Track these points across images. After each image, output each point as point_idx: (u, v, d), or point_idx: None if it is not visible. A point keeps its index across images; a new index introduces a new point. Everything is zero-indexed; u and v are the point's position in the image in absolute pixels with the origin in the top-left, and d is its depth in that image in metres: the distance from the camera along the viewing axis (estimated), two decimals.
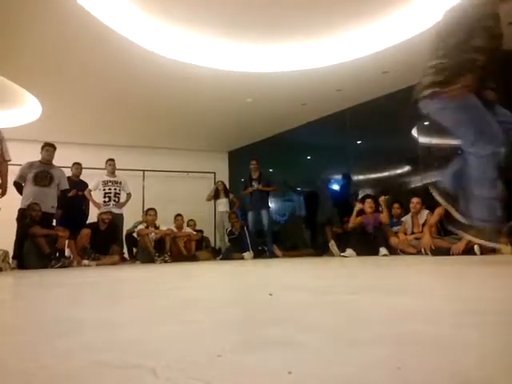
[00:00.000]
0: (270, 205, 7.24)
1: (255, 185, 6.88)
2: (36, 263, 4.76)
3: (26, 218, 5.04)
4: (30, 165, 5.25)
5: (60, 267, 4.74)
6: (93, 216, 6.26)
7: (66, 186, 5.60)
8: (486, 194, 2.34)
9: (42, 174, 5.27)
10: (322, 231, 6.77)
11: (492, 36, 2.33)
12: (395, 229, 5.43)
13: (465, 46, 2.36)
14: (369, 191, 7.00)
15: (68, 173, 6.66)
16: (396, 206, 5.72)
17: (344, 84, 6.24)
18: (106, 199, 6.26)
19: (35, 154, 5.52)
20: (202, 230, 7.74)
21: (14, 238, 5.08)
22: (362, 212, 5.62)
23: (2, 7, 4.11)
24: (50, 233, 5.16)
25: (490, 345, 0.63)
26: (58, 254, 5.22)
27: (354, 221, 5.57)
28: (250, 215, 6.97)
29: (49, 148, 5.40)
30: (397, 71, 5.79)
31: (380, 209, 5.65)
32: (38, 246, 4.92)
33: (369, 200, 5.57)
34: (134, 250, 6.57)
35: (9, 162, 4.54)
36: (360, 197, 6.91)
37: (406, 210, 5.56)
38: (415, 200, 5.14)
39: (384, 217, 5.38)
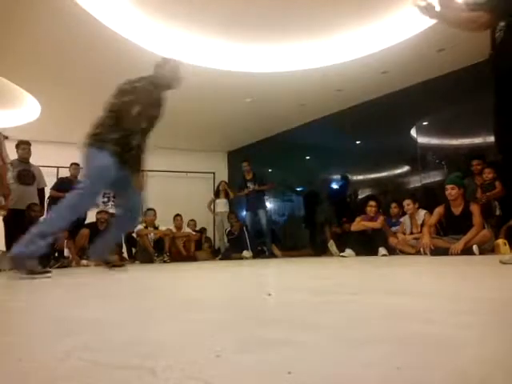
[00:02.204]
0: (267, 204, 7.24)
1: (250, 186, 6.87)
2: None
3: (23, 217, 5.02)
4: (10, 164, 5.20)
5: (59, 267, 4.74)
6: (91, 216, 6.25)
7: (44, 184, 5.57)
8: None
9: (25, 172, 5.22)
10: (321, 231, 6.78)
11: None
12: (394, 229, 5.43)
13: None
14: (367, 191, 7.01)
15: (66, 173, 6.66)
16: (394, 205, 5.72)
17: (343, 84, 6.24)
18: (105, 199, 6.26)
19: (34, 154, 5.50)
20: (205, 229, 7.79)
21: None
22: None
23: (3, 8, 4.10)
24: None
25: (490, 345, 0.63)
26: (56, 254, 5.22)
27: (355, 226, 5.52)
28: (248, 216, 6.97)
29: (25, 146, 5.32)
30: (396, 71, 5.80)
31: (381, 210, 5.65)
32: None
33: (372, 203, 5.50)
34: (133, 250, 6.57)
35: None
36: (361, 197, 6.92)
37: (402, 211, 5.57)
38: (406, 202, 5.17)
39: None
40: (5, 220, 5.07)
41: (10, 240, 4.99)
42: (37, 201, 5.30)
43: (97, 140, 2.98)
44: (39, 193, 5.47)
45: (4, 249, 4.94)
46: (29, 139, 5.50)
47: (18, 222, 4.99)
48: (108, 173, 2.89)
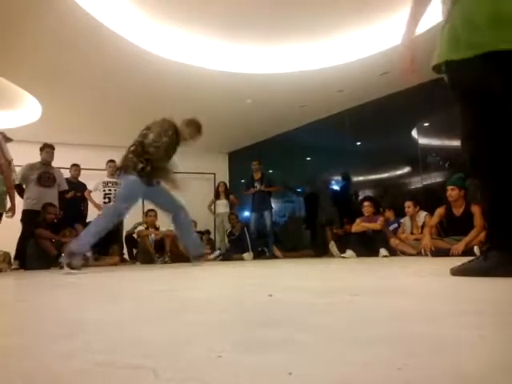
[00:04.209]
0: (272, 205, 7.25)
1: (258, 186, 6.86)
2: (38, 264, 4.78)
3: (39, 217, 5.06)
4: (32, 166, 5.27)
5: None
6: (92, 217, 6.26)
7: (65, 186, 5.63)
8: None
9: (45, 174, 5.30)
10: (321, 232, 6.77)
11: None
12: (391, 227, 5.43)
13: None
14: (369, 192, 7.01)
15: (67, 174, 6.67)
16: (387, 212, 5.74)
17: (343, 85, 6.25)
18: (106, 200, 6.27)
19: (35, 155, 5.52)
20: (209, 231, 7.78)
21: (16, 239, 5.08)
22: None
23: (2, 8, 4.11)
24: (54, 237, 5.18)
25: (490, 345, 0.63)
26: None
27: (355, 227, 5.50)
28: (253, 216, 6.96)
29: (49, 149, 5.41)
30: (396, 72, 5.79)
31: (380, 210, 5.64)
32: (42, 248, 4.95)
33: (367, 203, 5.52)
34: (134, 250, 6.57)
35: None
36: (361, 198, 6.91)
37: (398, 214, 5.58)
38: (407, 204, 5.17)
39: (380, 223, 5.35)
40: (22, 220, 5.09)
41: (24, 240, 5.01)
42: (56, 203, 5.34)
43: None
44: (60, 195, 5.51)
45: (10, 249, 4.95)
46: (29, 140, 5.54)
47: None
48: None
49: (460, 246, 4.00)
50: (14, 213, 4.45)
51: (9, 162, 4.36)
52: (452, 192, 4.34)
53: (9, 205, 4.54)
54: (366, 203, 5.51)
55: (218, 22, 4.72)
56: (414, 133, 6.52)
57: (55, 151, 5.59)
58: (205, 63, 5.50)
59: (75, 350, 0.67)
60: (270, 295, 1.31)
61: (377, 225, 5.29)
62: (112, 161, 6.48)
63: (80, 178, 6.52)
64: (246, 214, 7.83)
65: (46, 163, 5.37)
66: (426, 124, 6.50)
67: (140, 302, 1.43)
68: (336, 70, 5.68)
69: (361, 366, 0.53)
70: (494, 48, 1.58)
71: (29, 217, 5.06)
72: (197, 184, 9.10)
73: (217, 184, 8.27)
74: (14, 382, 0.53)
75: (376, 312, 0.97)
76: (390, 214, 5.73)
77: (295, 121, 7.79)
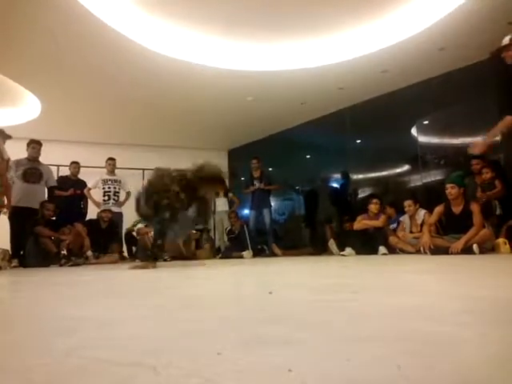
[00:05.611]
0: (271, 203, 7.24)
1: (257, 184, 6.85)
2: (38, 262, 4.77)
3: (37, 215, 5.05)
4: (17, 162, 5.21)
5: (71, 266, 4.76)
6: (92, 215, 6.26)
7: (53, 182, 5.58)
8: None
9: (31, 170, 5.24)
10: (321, 230, 6.77)
11: None
12: (391, 226, 5.43)
13: None
14: (368, 190, 7.01)
15: (66, 172, 6.66)
16: (388, 209, 5.73)
17: (343, 83, 6.24)
18: (106, 198, 6.26)
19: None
20: (209, 229, 7.81)
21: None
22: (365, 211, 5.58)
23: (2, 5, 4.10)
24: (54, 235, 5.17)
25: (490, 343, 0.63)
26: (65, 253, 5.25)
27: (357, 225, 5.48)
28: (252, 214, 6.95)
29: (35, 145, 5.36)
30: (396, 70, 5.79)
31: (383, 209, 5.64)
32: (42, 245, 4.95)
33: (375, 200, 5.49)
34: (134, 248, 6.57)
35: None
36: (362, 196, 6.90)
37: (398, 211, 5.57)
38: (407, 203, 5.16)
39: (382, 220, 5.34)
40: (9, 217, 5.08)
41: (13, 237, 5.00)
42: (42, 199, 5.31)
43: None
44: (50, 192, 5.49)
45: (7, 247, 4.95)
46: (29, 138, 5.51)
47: (21, 220, 5.01)
48: None
49: (459, 244, 4.00)
50: (8, 209, 4.44)
51: (6, 161, 4.34)
52: (452, 190, 4.34)
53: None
54: (374, 200, 5.48)
55: (219, 19, 4.71)
56: (414, 131, 6.52)
57: (55, 149, 5.58)
58: (205, 61, 5.48)
59: (74, 346, 0.67)
60: (270, 293, 1.31)
61: (378, 222, 5.29)
62: (112, 158, 6.48)
63: (79, 176, 6.52)
64: (246, 212, 7.82)
65: (33, 159, 5.32)
66: (425, 122, 6.50)
67: (139, 299, 1.43)
68: (336, 67, 5.67)
69: (361, 364, 0.53)
70: None
71: (14, 213, 5.03)
72: None
73: None
74: (13, 379, 0.53)
75: (375, 309, 0.97)
76: (391, 211, 5.72)
77: (295, 118, 7.78)
